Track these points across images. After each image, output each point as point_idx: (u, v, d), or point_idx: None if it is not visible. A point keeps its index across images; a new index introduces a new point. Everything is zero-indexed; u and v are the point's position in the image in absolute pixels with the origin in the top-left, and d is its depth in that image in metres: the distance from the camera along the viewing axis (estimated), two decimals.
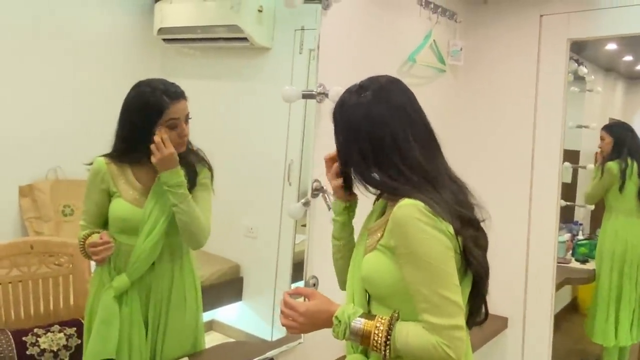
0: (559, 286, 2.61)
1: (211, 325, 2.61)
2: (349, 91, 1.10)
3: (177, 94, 1.47)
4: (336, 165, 1.19)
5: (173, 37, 2.79)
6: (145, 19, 2.85)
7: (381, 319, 1.00)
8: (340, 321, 1.02)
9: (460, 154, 2.35)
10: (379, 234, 1.06)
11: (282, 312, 1.09)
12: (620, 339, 2.68)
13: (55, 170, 2.67)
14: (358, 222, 1.23)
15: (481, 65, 2.56)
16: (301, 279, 1.97)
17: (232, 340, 2.64)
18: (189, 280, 1.60)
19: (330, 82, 1.74)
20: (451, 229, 0.98)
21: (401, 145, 1.04)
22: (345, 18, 1.90)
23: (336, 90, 1.66)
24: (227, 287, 2.69)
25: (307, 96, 1.74)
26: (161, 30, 2.78)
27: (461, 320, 0.96)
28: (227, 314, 2.75)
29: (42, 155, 2.62)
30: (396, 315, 1.00)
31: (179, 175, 1.45)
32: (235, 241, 2.84)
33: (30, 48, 2.52)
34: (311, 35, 1.97)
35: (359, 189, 1.14)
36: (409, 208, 0.97)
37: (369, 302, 1.10)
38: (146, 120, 1.45)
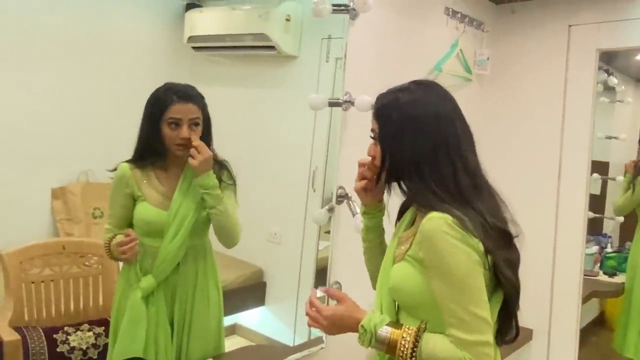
0: (586, 299, 2.56)
1: (234, 329, 2.64)
2: (401, 90, 1.06)
3: (185, 95, 1.47)
4: (363, 169, 1.18)
5: (202, 45, 2.85)
6: (175, 28, 2.92)
7: (408, 329, 0.98)
8: (366, 330, 1.01)
9: (485, 165, 2.35)
10: (408, 245, 1.05)
11: (307, 312, 1.09)
12: None
13: (87, 174, 2.74)
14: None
15: (508, 75, 2.54)
16: (323, 285, 1.98)
17: (253, 344, 2.66)
18: (212, 281, 1.62)
19: (356, 90, 1.76)
20: (481, 246, 0.96)
21: (455, 152, 1.02)
22: (372, 27, 1.92)
23: (362, 99, 1.68)
24: (250, 291, 2.72)
25: (333, 104, 1.76)
26: (191, 39, 2.84)
27: (489, 337, 0.95)
28: (250, 318, 2.78)
29: (74, 158, 2.70)
30: (424, 326, 0.99)
31: (214, 177, 1.47)
32: (259, 246, 2.87)
33: (64, 54, 2.60)
34: (338, 44, 1.99)
35: (389, 193, 1.12)
36: (438, 221, 0.96)
37: (397, 311, 1.09)
38: (152, 116, 1.48)
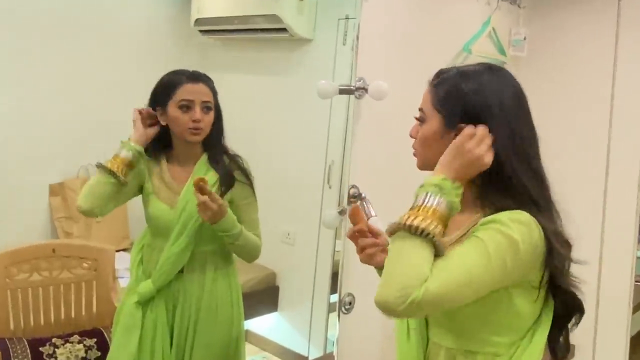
0: (635, 309, 2.38)
1: (245, 336, 2.55)
2: (464, 68, 0.99)
3: (195, 76, 1.44)
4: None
5: (210, 28, 2.75)
6: (181, 10, 2.84)
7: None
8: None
9: None
10: (456, 237, 0.94)
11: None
12: None
13: (87, 169, 2.67)
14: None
15: (548, 57, 2.37)
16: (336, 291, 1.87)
17: (266, 353, 2.58)
18: (224, 295, 1.53)
19: (371, 75, 1.61)
20: (541, 251, 0.88)
21: (519, 146, 0.96)
22: (390, 4, 1.77)
23: (377, 85, 1.53)
24: (263, 296, 2.63)
25: (344, 91, 1.61)
26: (198, 22, 2.74)
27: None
28: (262, 324, 2.70)
29: (74, 152, 2.64)
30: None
31: (228, 222, 1.41)
32: (271, 247, 2.73)
33: (64, 43, 2.54)
34: (356, 25, 1.88)
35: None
36: (516, 213, 0.88)
37: (427, 326, 1.00)
38: (161, 98, 1.43)
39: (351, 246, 1.72)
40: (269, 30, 2.56)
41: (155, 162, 1.47)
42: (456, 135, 0.92)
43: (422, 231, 0.82)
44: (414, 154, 1.02)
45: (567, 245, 0.95)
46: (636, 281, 2.31)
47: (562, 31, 2.35)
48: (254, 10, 2.56)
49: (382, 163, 1.71)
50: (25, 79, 2.46)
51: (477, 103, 0.93)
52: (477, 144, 0.90)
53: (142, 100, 1.50)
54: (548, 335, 0.96)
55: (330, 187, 2.35)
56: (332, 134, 2.32)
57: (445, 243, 0.90)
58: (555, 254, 0.90)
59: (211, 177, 1.45)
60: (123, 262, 2.11)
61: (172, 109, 1.41)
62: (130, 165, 1.41)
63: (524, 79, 2.64)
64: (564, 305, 0.97)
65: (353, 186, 1.63)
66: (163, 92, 1.43)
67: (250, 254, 1.51)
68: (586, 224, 2.29)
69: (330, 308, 2.47)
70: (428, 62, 1.05)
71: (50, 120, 2.53)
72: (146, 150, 1.46)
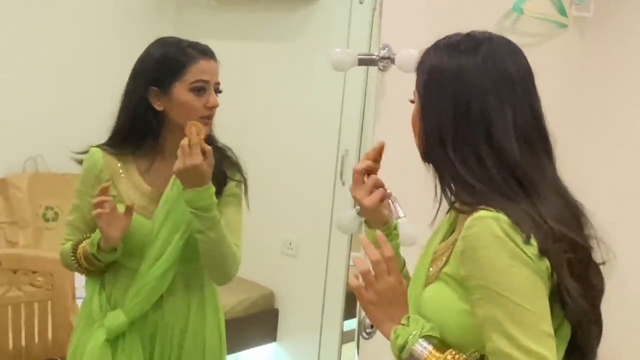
0: None
1: None
2: (445, 42, 1.06)
3: (207, 51, 1.46)
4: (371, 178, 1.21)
5: None
6: None
7: (453, 357, 0.97)
8: (398, 336, 1.00)
9: (584, 140, 2.20)
10: (444, 260, 1.04)
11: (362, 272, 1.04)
12: None
13: (35, 161, 2.74)
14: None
15: (619, 18, 2.42)
16: (356, 315, 1.92)
17: None
18: (211, 318, 1.57)
19: (398, 43, 1.67)
20: (544, 262, 0.94)
21: (493, 128, 1.00)
22: None
23: (406, 54, 1.59)
24: (258, 322, 2.69)
25: (365, 62, 1.67)
26: None
27: None
28: (257, 358, 2.75)
29: (20, 141, 2.70)
30: (477, 355, 0.97)
31: (209, 195, 1.40)
32: (269, 260, 2.82)
33: (12, 10, 2.59)
34: None
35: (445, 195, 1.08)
36: (488, 223, 0.94)
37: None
38: (162, 78, 1.43)
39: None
40: None
41: (120, 161, 1.48)
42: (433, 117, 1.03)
43: None
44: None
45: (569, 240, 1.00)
46: None
47: None
48: None
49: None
50: None
51: (457, 92, 1.02)
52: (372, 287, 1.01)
53: (105, 82, 1.55)
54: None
55: (343, 184, 2.39)
56: (346, 116, 2.35)
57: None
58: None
59: None
60: (83, 279, 2.17)
61: (181, 92, 1.42)
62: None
63: (591, 45, 2.71)
64: (578, 323, 1.01)
65: None
66: (166, 70, 1.44)
67: (223, 266, 1.48)
68: None
69: (344, 337, 2.51)
70: (468, 25, 1.08)
71: None
72: (112, 145, 1.47)
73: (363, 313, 1.72)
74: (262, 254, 2.61)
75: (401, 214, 1.60)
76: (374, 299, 1.02)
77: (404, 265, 1.27)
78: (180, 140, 1.36)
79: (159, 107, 1.43)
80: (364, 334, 1.72)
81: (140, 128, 1.45)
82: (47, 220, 2.65)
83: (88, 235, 1.44)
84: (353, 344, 1.92)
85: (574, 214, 1.04)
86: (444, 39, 1.08)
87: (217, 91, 1.47)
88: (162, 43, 1.47)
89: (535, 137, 1.04)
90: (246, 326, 2.59)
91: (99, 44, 2.79)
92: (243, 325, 2.56)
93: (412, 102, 1.10)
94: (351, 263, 2.34)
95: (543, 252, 0.95)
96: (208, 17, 2.93)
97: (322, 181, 2.42)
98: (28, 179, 2.65)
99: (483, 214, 0.96)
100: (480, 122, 1.01)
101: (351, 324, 2.01)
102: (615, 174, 2.38)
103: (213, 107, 1.44)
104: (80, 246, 1.44)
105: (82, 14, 2.81)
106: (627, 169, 2.38)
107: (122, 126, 1.47)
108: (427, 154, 1.09)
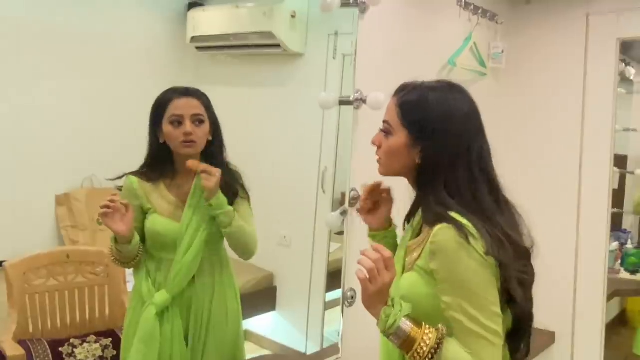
0: (607, 298, 2.49)
1: (245, 335, 2.59)
2: (432, 88, 1.03)
3: (183, 91, 1.44)
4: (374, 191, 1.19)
5: (206, 45, 2.81)
6: (178, 28, 2.89)
7: (428, 330, 0.95)
8: (388, 316, 0.97)
9: (502, 161, 2.29)
10: (417, 254, 1.03)
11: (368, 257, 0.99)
12: None
13: (91, 179, 2.71)
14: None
15: (524, 68, 2.48)
16: (336, 288, 1.93)
17: (265, 351, 2.62)
18: (231, 292, 1.57)
19: (367, 87, 1.70)
20: (492, 260, 0.94)
21: (480, 163, 1.00)
22: (383, 21, 1.86)
23: (375, 96, 1.62)
24: (261, 296, 2.68)
25: (344, 102, 1.70)
26: (194, 39, 2.80)
27: (500, 350, 0.95)
28: (261, 324, 2.74)
29: (78, 164, 2.67)
30: (444, 330, 0.96)
31: (222, 197, 1.43)
32: (268, 250, 2.80)
33: (66, 58, 2.57)
34: (345, 40, 1.94)
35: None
36: (452, 232, 0.94)
37: None
38: (156, 118, 1.44)
39: (353, 245, 1.80)
40: (263, 46, 2.62)
41: (152, 184, 1.48)
42: (421, 151, 1.01)
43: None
44: (378, 161, 1.09)
45: (517, 245, 0.99)
46: (610, 273, 2.43)
47: (538, 44, 2.46)
48: (249, 28, 2.62)
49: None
50: (28, 93, 2.48)
51: (440, 119, 1.00)
52: (376, 280, 0.96)
53: (141, 115, 1.51)
54: (509, 342, 1.02)
55: (324, 192, 2.40)
56: (325, 142, 2.37)
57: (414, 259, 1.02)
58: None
59: None
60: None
61: (165, 126, 1.42)
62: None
63: (503, 88, 2.79)
64: (517, 314, 1.01)
65: (353, 189, 1.71)
66: (156, 112, 1.44)
67: (248, 244, 1.51)
68: (563, 222, 2.40)
69: (327, 306, 2.52)
70: (418, 74, 1.10)
71: (54, 134, 2.56)
72: (142, 174, 1.48)
73: (346, 287, 1.74)
74: (264, 245, 2.56)
75: None
76: (376, 289, 0.97)
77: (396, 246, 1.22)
78: (183, 162, 1.43)
79: (161, 140, 1.44)
80: (347, 303, 1.73)
81: (158, 157, 1.46)
82: (100, 224, 2.59)
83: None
84: (335, 310, 1.93)
85: (517, 222, 1.04)
86: (431, 85, 1.04)
87: (199, 121, 1.43)
88: (161, 92, 1.46)
89: (491, 161, 1.06)
90: (253, 299, 2.58)
91: (137, 88, 2.79)
92: (250, 298, 2.55)
93: (385, 132, 1.05)
94: (331, 250, 2.36)
95: (500, 265, 0.95)
96: (220, 68, 2.94)
97: (308, 190, 2.42)
98: (85, 193, 2.61)
99: (446, 225, 0.95)
100: (480, 165, 1.00)
101: (333, 295, 2.02)
102: (523, 170, 2.43)
103: (187, 134, 1.41)
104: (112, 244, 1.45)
105: (125, 65, 2.81)
106: (531, 181, 2.43)
107: (147, 157, 1.49)
108: (419, 179, 1.04)
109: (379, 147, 1.07)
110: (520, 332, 1.03)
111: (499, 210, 1.00)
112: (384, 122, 1.06)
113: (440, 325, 0.96)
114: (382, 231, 1.21)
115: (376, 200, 1.21)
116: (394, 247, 1.19)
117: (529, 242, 1.03)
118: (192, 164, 1.40)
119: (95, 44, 2.67)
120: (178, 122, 1.41)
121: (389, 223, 1.22)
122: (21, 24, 2.43)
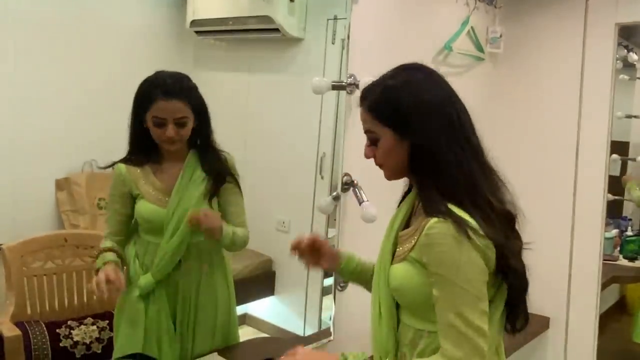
0: (605, 285, 2.49)
1: (244, 319, 2.62)
2: (391, 77, 1.03)
3: (169, 92, 1.39)
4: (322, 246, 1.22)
5: (205, 29, 2.80)
6: (177, 12, 2.87)
7: None
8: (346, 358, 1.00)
9: (499, 146, 2.27)
10: (410, 245, 1.02)
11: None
12: None
13: (91, 164, 2.71)
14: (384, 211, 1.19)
15: (522, 53, 2.45)
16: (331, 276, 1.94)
17: (263, 334, 2.65)
18: (220, 279, 1.58)
19: (361, 72, 1.69)
20: (490, 247, 0.94)
21: (461, 136, 1.00)
22: (377, 5, 1.84)
23: (367, 81, 1.60)
24: (260, 281, 2.70)
25: (337, 87, 1.69)
26: (193, 23, 2.78)
27: (483, 348, 0.93)
28: (260, 308, 2.76)
29: (78, 148, 2.68)
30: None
31: (226, 231, 1.47)
32: (267, 235, 2.83)
33: (65, 42, 2.57)
34: (344, 25, 1.92)
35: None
36: (448, 226, 0.93)
37: (398, 311, 1.07)
38: (137, 112, 1.43)
39: (345, 230, 1.81)
40: (262, 31, 2.60)
41: (139, 168, 1.48)
42: (409, 139, 1.00)
43: None
44: (381, 169, 1.08)
45: (503, 215, 1.00)
46: (604, 260, 2.42)
47: (536, 29, 2.43)
48: (247, 12, 2.60)
49: None
50: (28, 77, 2.48)
51: (410, 99, 1.00)
52: None
53: None
54: (508, 313, 1.03)
55: (322, 178, 2.40)
56: (323, 127, 2.35)
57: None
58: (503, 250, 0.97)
59: (200, 174, 1.49)
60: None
61: (149, 120, 1.42)
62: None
63: (501, 73, 2.77)
64: (516, 285, 1.01)
65: (346, 174, 1.71)
66: (141, 103, 1.43)
67: (240, 246, 1.55)
68: (559, 207, 2.39)
69: (324, 291, 2.54)
70: (413, 59, 1.09)
71: (54, 119, 2.57)
72: (129, 160, 1.48)
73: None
74: (263, 231, 2.62)
75: (365, 198, 1.63)
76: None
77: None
78: (171, 152, 1.45)
79: (146, 126, 1.43)
80: (339, 287, 1.74)
81: (142, 141, 1.45)
82: (100, 208, 2.63)
83: (113, 249, 1.47)
84: (331, 296, 1.95)
85: (499, 187, 1.04)
86: (392, 74, 1.04)
87: (181, 124, 1.41)
88: (145, 81, 1.43)
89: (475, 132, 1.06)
90: (252, 284, 2.60)
91: (137, 72, 2.78)
92: (250, 283, 2.58)
93: (372, 141, 1.04)
94: (329, 236, 2.36)
95: (497, 246, 0.95)
96: (219, 53, 2.93)
97: (306, 176, 2.42)
98: (85, 178, 2.62)
99: (440, 219, 0.94)
100: (461, 138, 1.01)
101: (328, 281, 2.03)
102: (519, 155, 2.42)
103: (169, 137, 1.41)
104: (99, 255, 1.46)
105: (125, 49, 2.80)
106: (526, 152, 2.42)
107: (130, 142, 1.49)
108: (415, 169, 1.03)
109: (374, 158, 1.07)
110: (517, 300, 1.03)
111: (483, 175, 1.00)
112: (366, 132, 1.06)
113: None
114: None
115: (316, 249, 1.24)
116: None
117: (512, 209, 1.03)
118: (192, 225, 1.42)
119: (95, 28, 2.66)
120: (160, 124, 1.40)
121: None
122: (19, 9, 2.42)
